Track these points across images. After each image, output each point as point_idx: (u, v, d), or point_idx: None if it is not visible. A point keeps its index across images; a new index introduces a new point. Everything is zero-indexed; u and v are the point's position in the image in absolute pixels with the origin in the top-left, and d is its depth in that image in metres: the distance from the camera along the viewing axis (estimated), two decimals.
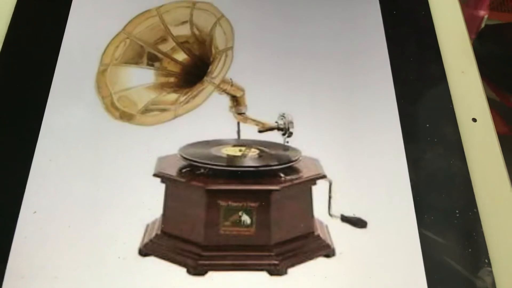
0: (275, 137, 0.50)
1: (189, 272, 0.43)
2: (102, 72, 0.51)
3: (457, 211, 0.46)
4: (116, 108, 0.50)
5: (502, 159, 0.49)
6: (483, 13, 0.86)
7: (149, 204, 0.46)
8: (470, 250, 0.44)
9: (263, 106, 0.51)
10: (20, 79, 0.52)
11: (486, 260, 0.43)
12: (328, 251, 0.44)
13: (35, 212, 0.45)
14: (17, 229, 0.44)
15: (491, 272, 0.43)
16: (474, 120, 0.51)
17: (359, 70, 0.55)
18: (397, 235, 0.44)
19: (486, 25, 0.86)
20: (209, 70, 0.50)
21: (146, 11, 0.54)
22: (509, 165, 0.48)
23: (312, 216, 0.46)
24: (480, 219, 0.45)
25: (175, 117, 0.50)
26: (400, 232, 0.45)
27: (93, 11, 0.58)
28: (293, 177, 0.47)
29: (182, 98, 0.50)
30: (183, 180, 0.46)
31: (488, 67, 0.80)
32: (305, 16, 0.59)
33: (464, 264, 0.43)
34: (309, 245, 0.45)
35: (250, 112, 0.51)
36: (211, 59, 0.51)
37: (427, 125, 0.51)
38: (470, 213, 0.46)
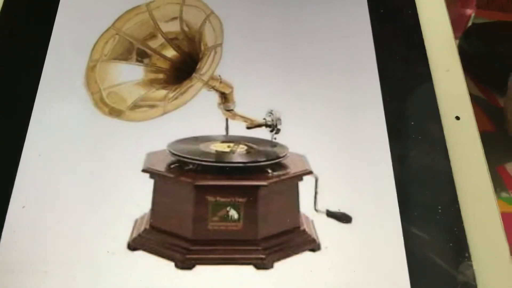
0: (263, 133, 0.51)
1: (177, 266, 0.43)
2: (91, 68, 0.52)
3: (439, 207, 0.47)
4: (105, 104, 0.50)
5: (483, 156, 0.50)
6: (470, 11, 0.87)
7: (137, 199, 0.46)
8: (451, 244, 0.45)
9: (251, 103, 0.52)
10: (9, 74, 0.52)
11: (467, 255, 0.44)
12: (313, 246, 0.45)
13: (24, 207, 0.45)
14: (6, 224, 0.44)
15: (472, 266, 0.44)
16: (458, 118, 0.52)
17: (345, 68, 0.55)
18: (381, 230, 0.45)
19: (473, 24, 0.87)
20: (198, 66, 0.51)
21: (135, 7, 0.54)
22: (490, 162, 0.49)
23: (298, 211, 0.47)
24: (461, 215, 0.46)
25: (164, 113, 0.50)
26: (384, 227, 0.46)
27: (82, 6, 0.57)
28: (281, 173, 0.47)
29: (171, 95, 0.50)
30: (171, 175, 0.46)
31: (474, 65, 0.81)
32: (292, 15, 0.59)
33: (446, 258, 0.44)
34: (295, 239, 0.46)
35: (238, 109, 0.52)
36: (200, 56, 0.52)
37: (412, 123, 0.52)
38: (452, 209, 0.47)
